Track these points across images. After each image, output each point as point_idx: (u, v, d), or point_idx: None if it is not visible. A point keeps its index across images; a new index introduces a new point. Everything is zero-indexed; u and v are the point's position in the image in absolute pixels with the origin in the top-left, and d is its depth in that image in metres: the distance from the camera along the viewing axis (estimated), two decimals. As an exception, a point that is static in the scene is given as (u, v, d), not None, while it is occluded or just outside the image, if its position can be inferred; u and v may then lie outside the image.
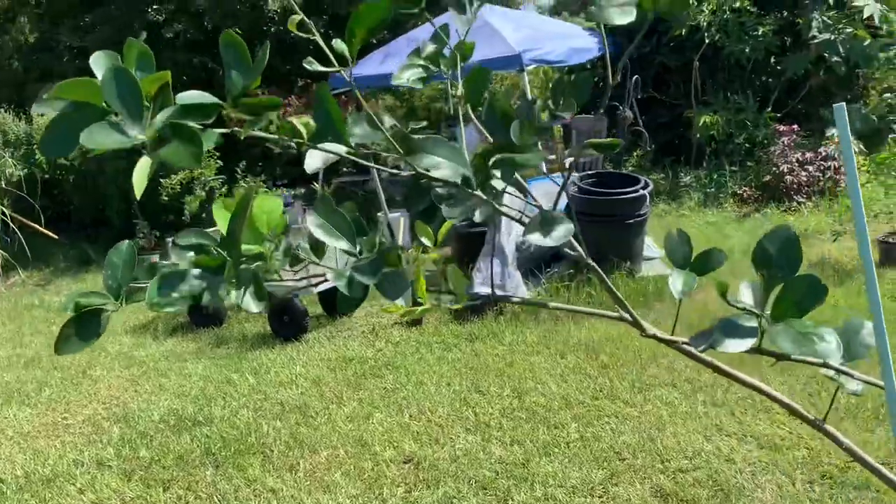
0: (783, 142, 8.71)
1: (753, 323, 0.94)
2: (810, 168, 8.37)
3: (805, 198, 8.24)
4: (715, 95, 9.84)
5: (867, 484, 3.26)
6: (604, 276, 1.27)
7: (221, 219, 0.97)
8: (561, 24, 10.82)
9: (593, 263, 1.28)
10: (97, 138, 0.79)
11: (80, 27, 11.77)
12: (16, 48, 13.54)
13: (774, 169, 8.53)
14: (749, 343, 0.93)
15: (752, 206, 8.45)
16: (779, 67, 9.97)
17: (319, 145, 1.03)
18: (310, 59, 1.07)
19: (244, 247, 0.86)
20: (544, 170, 8.54)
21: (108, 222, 10.87)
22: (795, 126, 8.94)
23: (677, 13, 1.12)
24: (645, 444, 3.77)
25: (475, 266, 6.29)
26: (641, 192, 6.30)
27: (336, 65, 1.05)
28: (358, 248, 0.94)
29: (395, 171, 1.21)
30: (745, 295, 0.97)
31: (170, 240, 7.06)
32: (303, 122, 0.98)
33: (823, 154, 8.41)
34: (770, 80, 10.21)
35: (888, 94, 9.99)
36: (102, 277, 0.90)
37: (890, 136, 8.68)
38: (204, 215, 9.09)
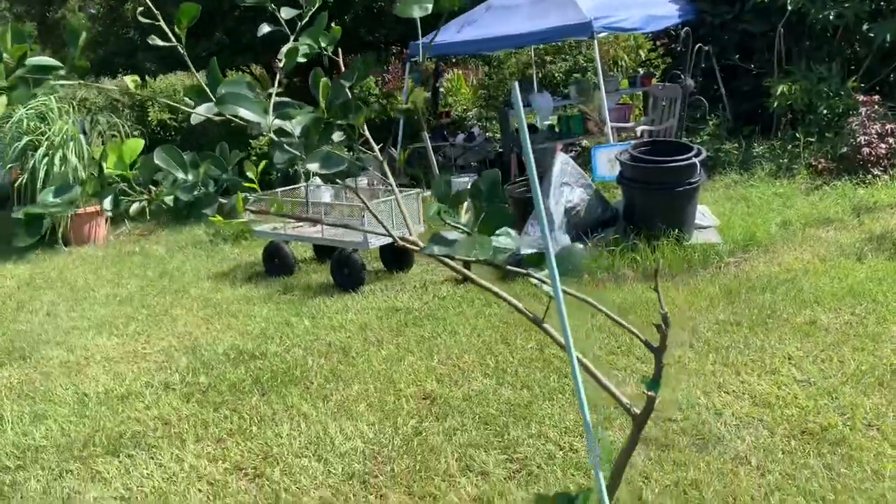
0: (863, 112, 8.45)
1: (457, 236, 1.24)
2: (891, 140, 8.11)
3: (882, 171, 8.00)
4: (797, 64, 9.58)
5: (843, 440, 3.42)
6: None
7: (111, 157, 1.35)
8: (643, -10, 10.70)
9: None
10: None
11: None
12: (133, 18, 14.60)
13: (852, 141, 8.30)
14: (446, 250, 1.24)
15: (825, 178, 8.27)
16: (870, 35, 9.58)
17: (198, 108, 1.41)
18: (153, 36, 1.41)
19: (112, 172, 1.26)
20: (610, 139, 8.67)
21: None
22: (877, 97, 8.63)
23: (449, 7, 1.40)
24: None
25: (524, 229, 6.57)
26: (692, 160, 6.38)
27: (174, 41, 1.39)
28: (190, 177, 1.31)
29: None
30: (463, 217, 1.28)
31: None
32: (132, 80, 1.36)
33: (907, 126, 8.13)
34: (860, 48, 9.83)
35: None
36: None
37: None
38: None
